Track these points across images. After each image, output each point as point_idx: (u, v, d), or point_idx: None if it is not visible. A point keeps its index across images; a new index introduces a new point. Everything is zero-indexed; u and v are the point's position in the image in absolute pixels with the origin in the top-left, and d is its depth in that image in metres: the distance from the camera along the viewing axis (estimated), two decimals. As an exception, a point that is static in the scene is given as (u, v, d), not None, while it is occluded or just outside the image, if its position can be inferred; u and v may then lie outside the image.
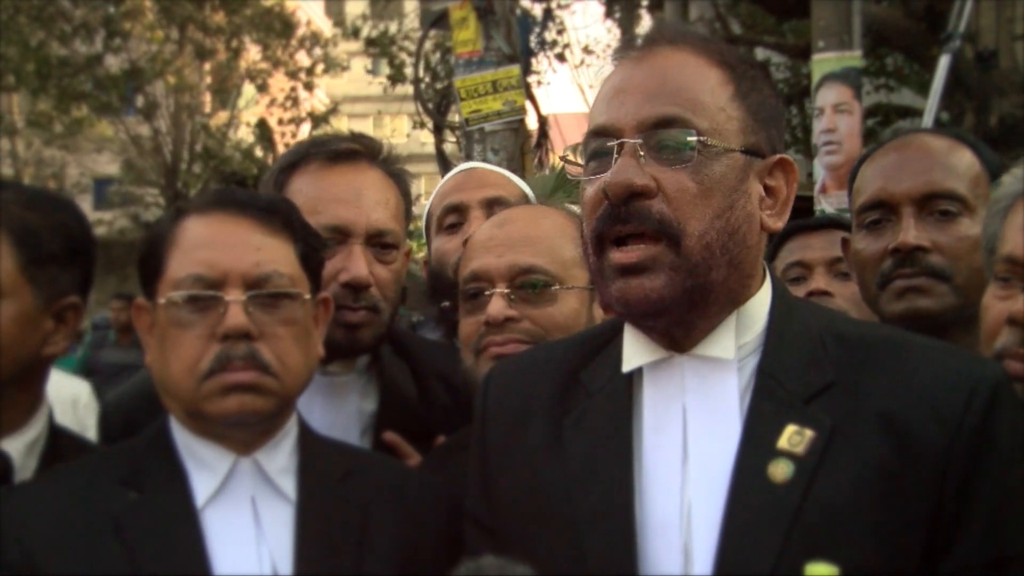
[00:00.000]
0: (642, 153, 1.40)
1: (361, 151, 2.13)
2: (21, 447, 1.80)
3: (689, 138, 1.39)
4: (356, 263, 2.03)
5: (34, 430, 1.83)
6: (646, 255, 1.40)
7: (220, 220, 1.69)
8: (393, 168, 2.18)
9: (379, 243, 2.08)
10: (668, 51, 1.46)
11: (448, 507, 1.73)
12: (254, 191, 1.77)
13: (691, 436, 1.43)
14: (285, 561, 1.61)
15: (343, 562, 1.63)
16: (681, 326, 1.46)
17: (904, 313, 1.96)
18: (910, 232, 1.96)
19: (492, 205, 2.44)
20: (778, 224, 1.49)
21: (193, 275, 1.64)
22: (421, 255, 2.69)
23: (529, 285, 1.92)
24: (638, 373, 1.51)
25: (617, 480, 1.44)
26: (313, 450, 1.73)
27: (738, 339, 1.45)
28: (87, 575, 1.56)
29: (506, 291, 1.92)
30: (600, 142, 1.45)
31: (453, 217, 2.49)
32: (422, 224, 2.69)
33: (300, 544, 1.62)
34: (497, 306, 1.90)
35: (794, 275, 2.57)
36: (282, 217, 1.72)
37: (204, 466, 1.65)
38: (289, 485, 1.67)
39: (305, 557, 1.61)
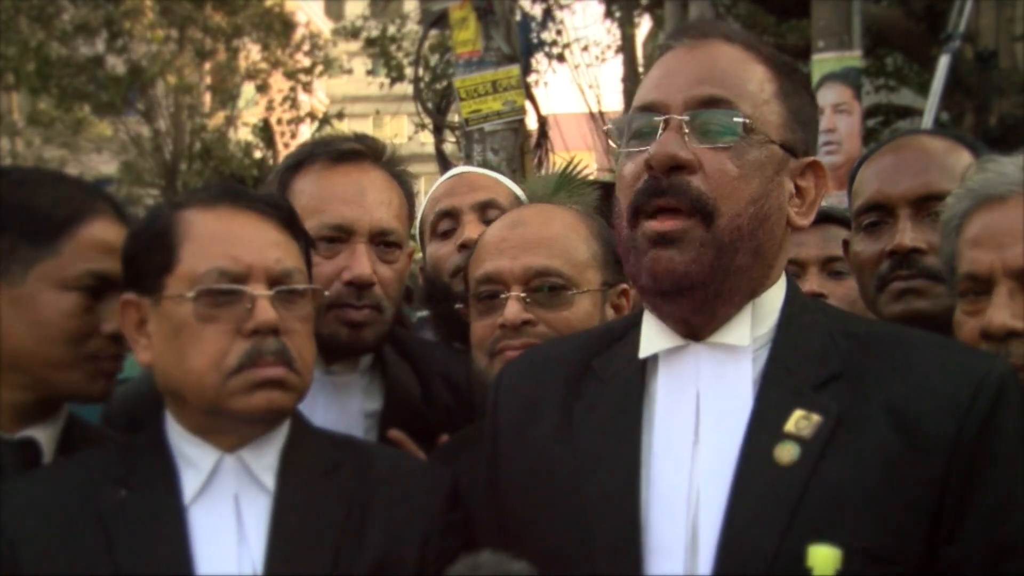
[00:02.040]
0: (687, 131, 1.44)
1: (364, 152, 2.14)
2: (49, 435, 1.81)
3: (735, 119, 1.43)
4: (359, 262, 2.03)
5: (61, 421, 1.85)
6: (680, 227, 1.43)
7: (232, 215, 1.67)
8: (396, 169, 2.19)
9: (382, 242, 2.09)
10: (719, 43, 1.51)
11: (448, 494, 1.72)
12: (251, 188, 1.77)
13: (703, 421, 1.45)
14: (263, 559, 1.60)
15: (319, 558, 1.60)
16: (701, 311, 1.48)
17: (902, 315, 1.97)
18: (906, 234, 1.97)
19: (484, 208, 2.46)
20: (804, 222, 1.53)
21: (217, 269, 1.61)
22: (419, 255, 2.69)
23: (544, 288, 1.92)
24: (652, 361, 1.53)
25: (625, 464, 1.46)
26: (301, 445, 1.71)
27: (753, 330, 1.48)
28: (66, 573, 1.55)
29: (521, 294, 1.92)
30: (646, 118, 1.48)
31: (446, 223, 2.50)
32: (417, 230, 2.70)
33: (273, 540, 1.60)
34: (514, 310, 1.91)
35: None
36: (287, 214, 1.72)
37: (190, 464, 1.65)
38: (273, 481, 1.65)
39: (278, 553, 1.59)
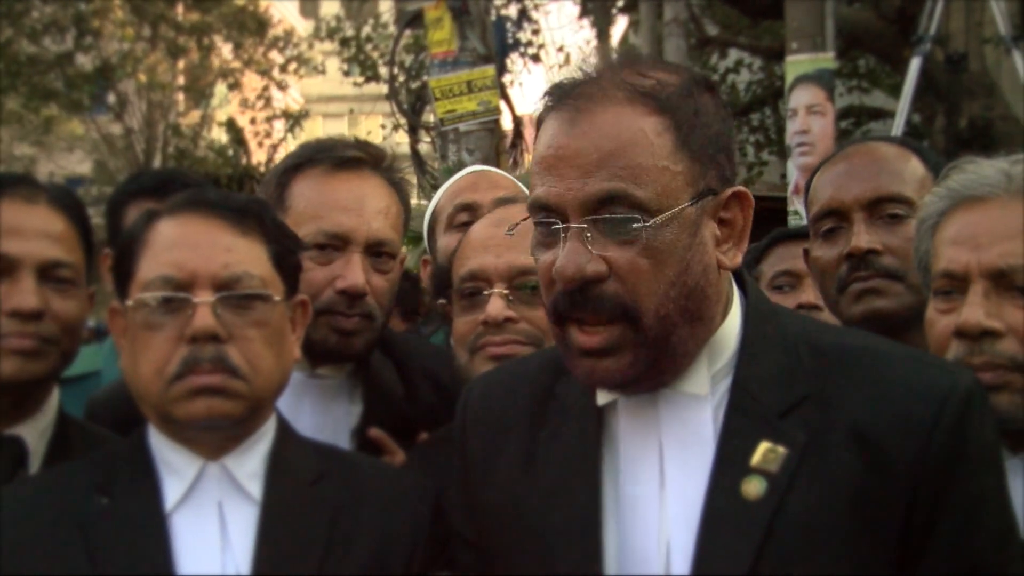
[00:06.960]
0: (589, 234, 1.36)
1: (365, 159, 2.14)
2: (36, 433, 1.84)
3: (634, 225, 1.35)
4: (354, 271, 2.03)
5: (47, 417, 1.86)
6: (609, 338, 1.38)
7: (191, 221, 1.67)
8: (395, 177, 2.19)
9: (377, 252, 2.09)
10: (600, 107, 1.38)
11: (433, 506, 1.72)
12: (227, 191, 1.75)
13: (668, 469, 1.43)
14: (249, 567, 1.59)
15: (305, 566, 1.60)
16: (647, 380, 1.44)
17: (863, 315, 2.00)
18: (862, 236, 2.02)
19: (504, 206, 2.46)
20: (736, 260, 1.45)
21: (162, 276, 1.62)
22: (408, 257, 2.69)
23: (527, 286, 1.92)
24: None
25: (584, 505, 1.44)
26: (287, 453, 1.70)
27: (711, 367, 1.44)
28: None
29: (505, 291, 1.92)
30: (545, 218, 1.40)
31: (465, 215, 2.51)
32: (424, 223, 2.71)
33: (260, 547, 1.60)
34: (496, 306, 1.91)
35: (781, 283, 2.66)
36: (254, 218, 1.69)
37: (173, 471, 1.64)
38: (258, 489, 1.65)
39: (265, 560, 1.59)
